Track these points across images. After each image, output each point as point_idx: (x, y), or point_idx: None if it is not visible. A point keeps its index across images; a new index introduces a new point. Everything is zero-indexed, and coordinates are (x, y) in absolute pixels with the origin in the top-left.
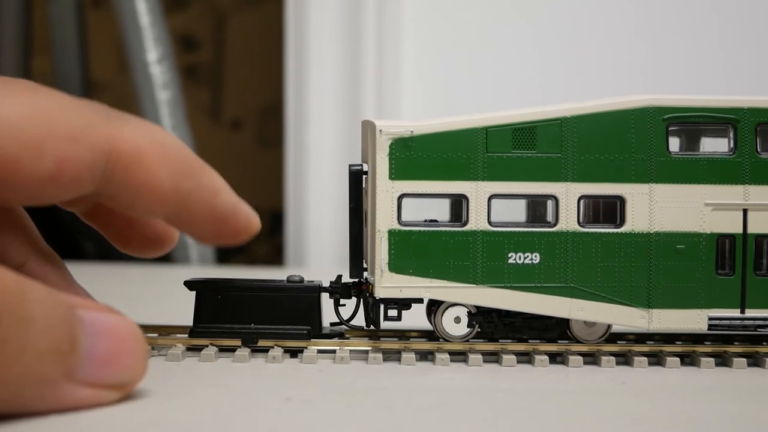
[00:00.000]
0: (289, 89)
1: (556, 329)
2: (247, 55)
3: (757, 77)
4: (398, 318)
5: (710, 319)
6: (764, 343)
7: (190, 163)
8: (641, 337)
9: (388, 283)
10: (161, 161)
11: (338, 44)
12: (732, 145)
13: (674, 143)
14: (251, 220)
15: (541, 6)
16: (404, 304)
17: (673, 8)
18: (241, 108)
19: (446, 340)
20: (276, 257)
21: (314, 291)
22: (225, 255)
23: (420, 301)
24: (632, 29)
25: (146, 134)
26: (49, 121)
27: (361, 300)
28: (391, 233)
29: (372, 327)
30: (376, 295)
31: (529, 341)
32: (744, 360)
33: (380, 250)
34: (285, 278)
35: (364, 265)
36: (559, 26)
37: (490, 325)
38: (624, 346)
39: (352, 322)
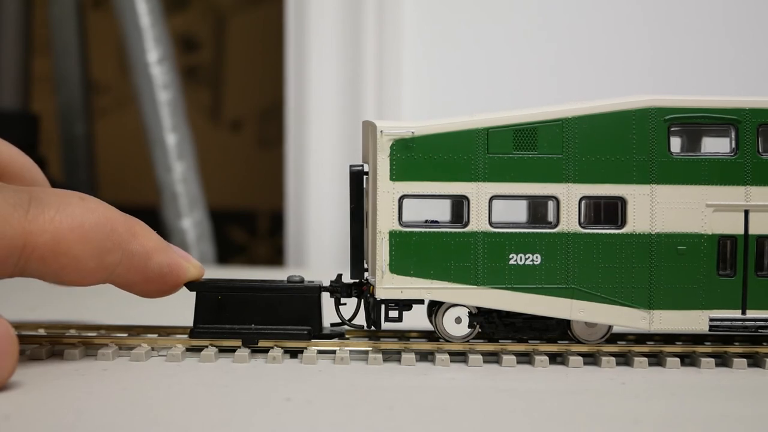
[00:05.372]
0: (289, 89)
1: (557, 329)
2: (247, 56)
3: (760, 77)
4: (399, 319)
5: (711, 320)
6: (764, 344)
7: (114, 237)
8: (641, 338)
9: (389, 284)
10: (81, 244)
11: (338, 44)
12: (733, 145)
13: (676, 144)
14: (191, 272)
15: (544, 6)
16: (405, 304)
17: (674, 7)
18: (241, 108)
19: (447, 341)
20: (276, 257)
21: (314, 291)
22: (225, 255)
23: (421, 302)
24: (632, 29)
25: (65, 220)
26: None
27: (362, 300)
28: (392, 234)
29: (373, 327)
30: (377, 296)
31: (530, 341)
32: (744, 360)
33: (381, 251)
34: (285, 278)
35: (365, 266)
36: (559, 26)
37: (491, 326)
38: (624, 347)
39: (353, 322)
